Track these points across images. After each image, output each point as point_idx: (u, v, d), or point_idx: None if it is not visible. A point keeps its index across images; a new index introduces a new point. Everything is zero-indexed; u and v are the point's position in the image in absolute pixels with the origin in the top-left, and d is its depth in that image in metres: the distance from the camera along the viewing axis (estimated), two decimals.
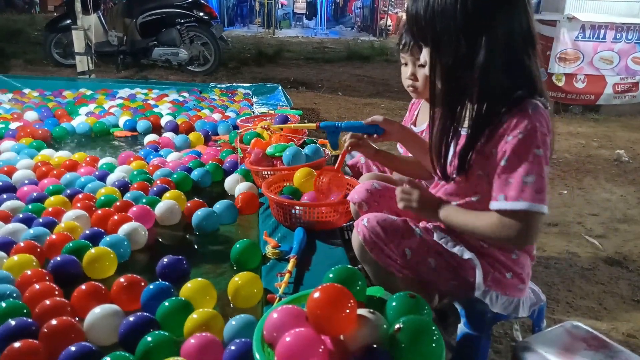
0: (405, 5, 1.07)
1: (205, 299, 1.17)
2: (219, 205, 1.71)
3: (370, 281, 1.43)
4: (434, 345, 0.84)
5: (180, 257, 1.33)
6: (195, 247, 1.57)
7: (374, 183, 1.38)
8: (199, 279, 1.22)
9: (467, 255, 1.14)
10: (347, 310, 0.85)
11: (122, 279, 1.20)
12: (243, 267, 1.39)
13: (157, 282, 1.19)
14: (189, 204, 1.72)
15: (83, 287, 1.17)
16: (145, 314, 1.07)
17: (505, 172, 1.00)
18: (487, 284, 1.14)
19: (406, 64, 1.56)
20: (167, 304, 1.10)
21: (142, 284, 1.20)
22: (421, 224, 1.24)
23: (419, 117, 1.70)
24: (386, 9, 15.08)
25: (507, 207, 0.99)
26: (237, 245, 1.42)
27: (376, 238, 1.16)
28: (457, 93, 1.06)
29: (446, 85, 1.06)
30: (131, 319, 1.04)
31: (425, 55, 1.09)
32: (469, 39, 1.00)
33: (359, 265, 1.50)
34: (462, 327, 1.25)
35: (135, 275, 1.22)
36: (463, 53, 1.01)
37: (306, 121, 4.05)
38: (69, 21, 5.54)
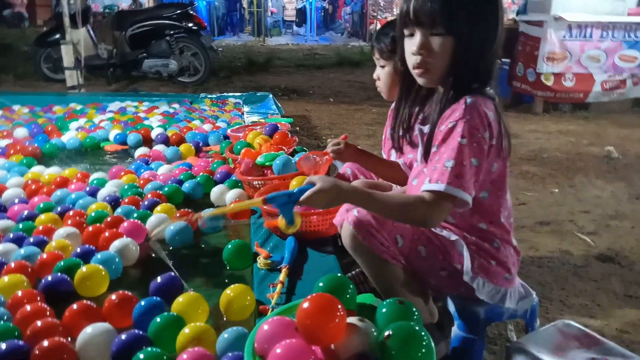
0: None
1: (197, 312, 1.17)
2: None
3: (360, 289, 1.44)
4: (423, 350, 0.85)
5: (171, 273, 1.32)
6: (187, 260, 1.57)
7: None
8: (191, 292, 1.22)
9: (453, 237, 1.18)
10: (337, 320, 0.85)
11: (113, 296, 1.20)
12: (235, 266, 1.47)
13: (148, 298, 1.19)
14: (177, 215, 1.72)
15: (74, 306, 1.16)
16: (136, 331, 1.07)
17: (434, 157, 1.09)
18: (475, 270, 1.17)
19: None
20: (158, 319, 1.10)
21: (134, 300, 1.20)
22: None
23: None
24: (375, 14, 15.14)
25: (428, 188, 1.06)
26: (229, 246, 1.48)
27: (368, 225, 1.17)
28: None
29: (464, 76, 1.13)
30: (123, 337, 1.04)
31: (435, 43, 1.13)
32: (449, 32, 1.08)
33: (351, 273, 1.50)
34: (456, 330, 1.26)
35: (126, 292, 1.22)
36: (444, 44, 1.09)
37: (298, 129, 4.07)
38: (58, 35, 5.54)
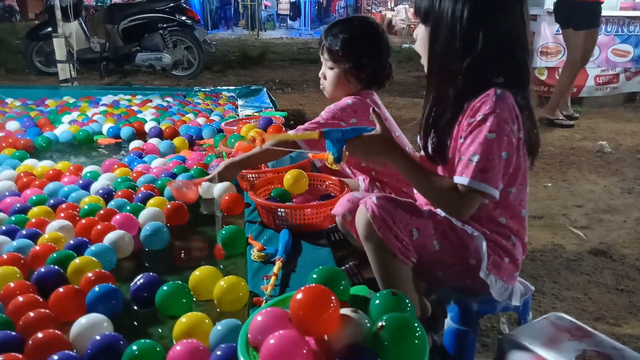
0: None
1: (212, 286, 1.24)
2: None
3: (354, 281, 1.44)
4: (416, 341, 0.85)
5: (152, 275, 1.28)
6: (181, 252, 1.57)
7: (355, 193, 1.38)
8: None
9: (475, 233, 1.16)
10: (330, 311, 0.85)
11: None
12: (230, 250, 1.51)
13: (103, 285, 1.19)
14: (168, 206, 1.70)
15: (61, 289, 1.17)
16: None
17: (461, 149, 1.10)
18: (488, 267, 1.15)
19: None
20: (165, 287, 1.18)
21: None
22: (425, 207, 1.24)
23: None
24: (369, 8, 15.14)
25: (455, 181, 1.09)
26: (223, 232, 1.52)
27: (386, 215, 1.13)
28: (447, 77, 1.14)
29: (437, 69, 1.16)
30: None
31: (419, 32, 1.20)
32: (467, 28, 1.08)
33: (344, 266, 1.51)
34: (449, 322, 1.26)
35: (105, 272, 1.28)
36: (460, 40, 1.09)
37: (292, 122, 4.06)
38: (49, 29, 5.50)
